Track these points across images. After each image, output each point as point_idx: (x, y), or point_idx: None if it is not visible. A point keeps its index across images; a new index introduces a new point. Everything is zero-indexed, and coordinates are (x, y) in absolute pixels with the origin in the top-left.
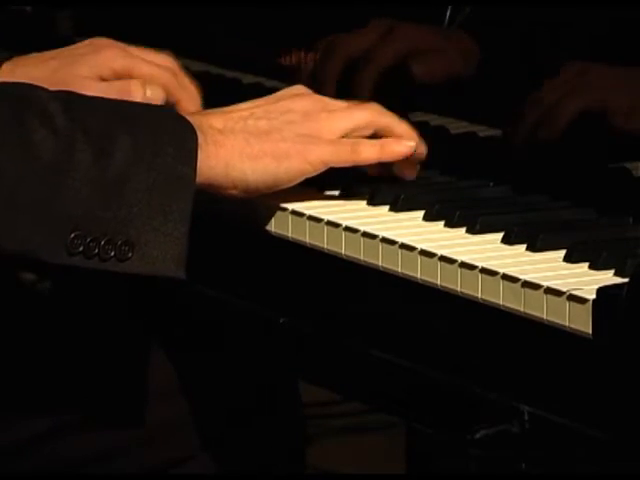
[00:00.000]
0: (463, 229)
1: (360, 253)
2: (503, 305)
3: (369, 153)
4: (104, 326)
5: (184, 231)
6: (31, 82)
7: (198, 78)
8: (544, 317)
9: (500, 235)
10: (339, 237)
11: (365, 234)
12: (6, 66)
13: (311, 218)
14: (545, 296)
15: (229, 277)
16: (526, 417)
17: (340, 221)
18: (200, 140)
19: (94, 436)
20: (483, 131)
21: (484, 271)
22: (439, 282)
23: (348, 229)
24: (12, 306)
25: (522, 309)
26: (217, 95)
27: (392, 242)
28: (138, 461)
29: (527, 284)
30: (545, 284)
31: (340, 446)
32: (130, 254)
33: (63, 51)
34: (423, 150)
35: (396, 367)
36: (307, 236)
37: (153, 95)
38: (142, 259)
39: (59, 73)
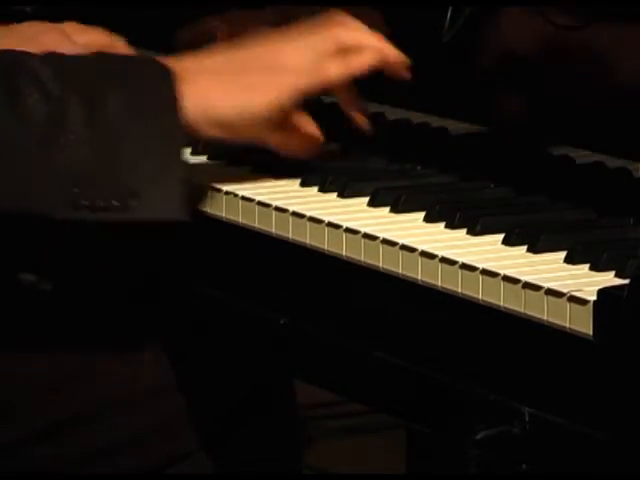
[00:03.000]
0: (464, 230)
1: (361, 254)
2: (504, 306)
3: (336, 69)
4: (101, 323)
5: (182, 174)
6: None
7: None
8: (545, 318)
9: (501, 236)
10: (340, 238)
11: (366, 235)
12: None
13: (312, 219)
14: (546, 297)
15: (230, 278)
16: (527, 418)
17: (341, 222)
18: (178, 84)
19: (91, 434)
20: (484, 132)
21: (485, 272)
22: (440, 283)
23: (349, 230)
24: (11, 305)
25: (523, 310)
26: None
27: (393, 243)
28: (135, 459)
29: (528, 285)
30: (546, 285)
31: (340, 447)
32: (133, 202)
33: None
34: (392, 55)
35: (396, 368)
36: (308, 237)
37: None
38: (145, 206)
39: None
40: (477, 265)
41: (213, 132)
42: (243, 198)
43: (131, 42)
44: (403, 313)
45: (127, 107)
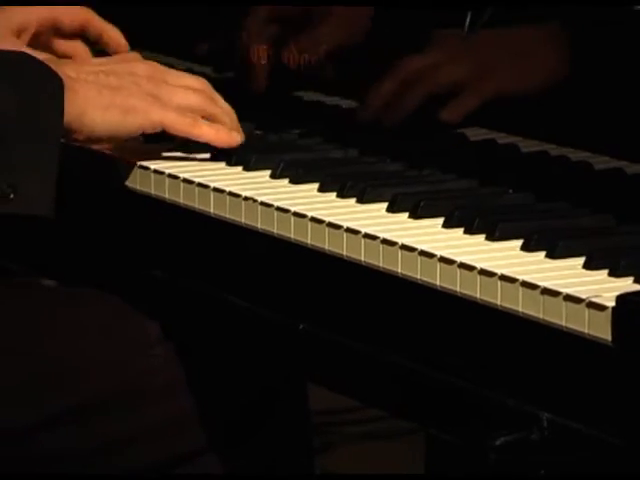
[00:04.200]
0: (483, 236)
1: (379, 260)
2: (522, 312)
3: (206, 132)
4: (116, 312)
5: (54, 172)
6: None
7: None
8: (563, 324)
9: (520, 242)
10: (358, 244)
11: (385, 241)
12: None
13: (330, 225)
14: (564, 303)
15: (249, 283)
16: (545, 424)
17: (360, 228)
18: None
19: (104, 425)
20: (502, 138)
21: (503, 278)
22: (458, 289)
23: (368, 236)
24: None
25: (541, 316)
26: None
27: (412, 249)
28: (146, 454)
29: (546, 291)
30: (564, 291)
31: (360, 453)
32: (11, 195)
33: None
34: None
35: (415, 374)
36: (326, 243)
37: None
38: (21, 200)
39: None
40: (496, 271)
41: (77, 137)
42: (262, 204)
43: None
44: (421, 318)
45: (17, 107)
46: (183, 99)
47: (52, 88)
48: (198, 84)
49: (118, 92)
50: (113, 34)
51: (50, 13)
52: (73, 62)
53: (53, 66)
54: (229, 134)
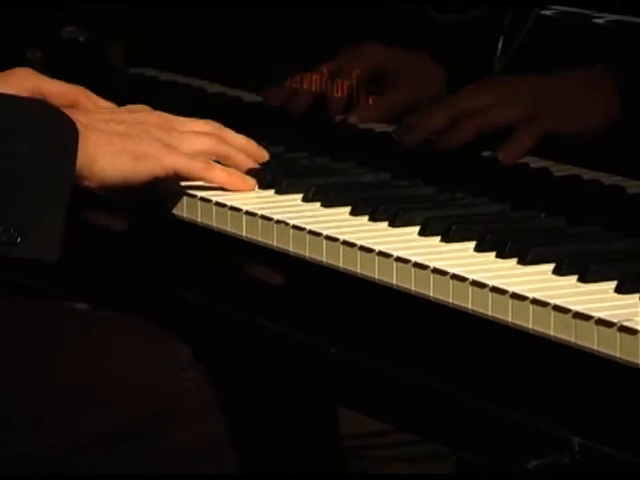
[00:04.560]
0: (514, 260)
1: (411, 284)
2: (554, 336)
3: (218, 176)
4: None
5: (62, 219)
6: None
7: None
8: (595, 348)
9: (551, 266)
10: (390, 267)
11: (416, 264)
12: None
13: (362, 248)
14: (596, 327)
15: (281, 306)
16: (577, 448)
17: (391, 251)
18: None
19: (134, 449)
20: (535, 162)
21: (535, 302)
22: (490, 313)
23: (399, 259)
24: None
25: (573, 340)
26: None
27: (443, 273)
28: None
29: (578, 315)
30: (596, 315)
31: (391, 477)
32: (18, 239)
33: None
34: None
35: (447, 397)
36: (358, 266)
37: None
38: (28, 245)
39: None
40: (527, 295)
41: (88, 184)
42: (294, 227)
43: (182, 72)
44: (453, 342)
45: (30, 151)
46: (194, 144)
47: (66, 134)
48: (207, 127)
49: (128, 139)
50: None
51: (37, 88)
52: (84, 110)
53: (67, 113)
54: (242, 179)
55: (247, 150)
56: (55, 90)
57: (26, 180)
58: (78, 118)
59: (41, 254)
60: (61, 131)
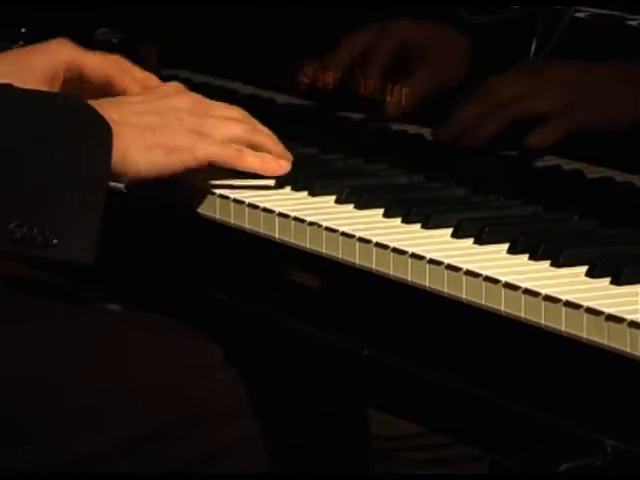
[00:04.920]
0: (547, 262)
1: (444, 286)
2: (587, 338)
3: (252, 162)
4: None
5: (99, 219)
6: None
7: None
8: (628, 350)
9: (584, 268)
10: (423, 269)
11: (449, 267)
12: None
13: (395, 250)
14: (629, 329)
15: (313, 309)
16: (609, 450)
17: (425, 253)
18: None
19: (165, 451)
20: (567, 164)
21: (568, 304)
22: (523, 315)
23: (432, 262)
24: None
25: (606, 342)
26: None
27: (476, 275)
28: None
29: (611, 317)
30: (629, 317)
31: (423, 478)
32: (55, 241)
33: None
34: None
35: (480, 400)
36: (391, 268)
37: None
38: (63, 246)
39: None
40: (560, 297)
41: (122, 179)
42: (327, 229)
43: (214, 74)
44: (485, 344)
45: (64, 152)
46: (227, 131)
47: (99, 134)
48: (240, 115)
49: (161, 132)
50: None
51: (74, 60)
52: (116, 102)
53: (99, 109)
54: (276, 162)
55: (275, 143)
56: (91, 62)
57: (61, 182)
58: (110, 115)
59: (77, 255)
60: (94, 131)
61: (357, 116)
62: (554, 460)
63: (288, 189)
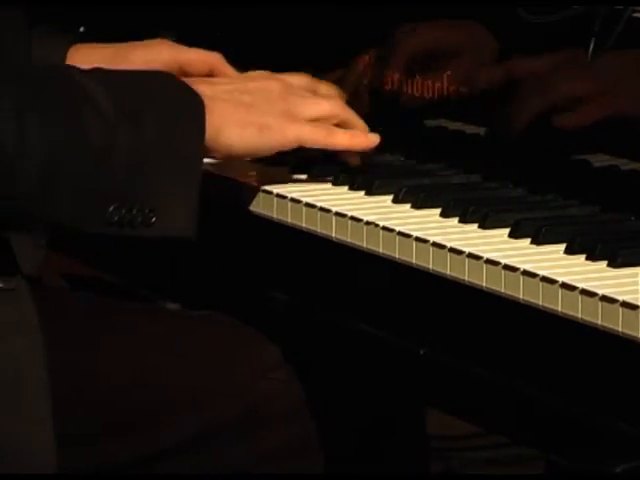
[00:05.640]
0: (604, 262)
1: (501, 286)
2: None
3: (341, 139)
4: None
5: (196, 195)
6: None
7: None
8: None
9: None
10: (480, 269)
11: (506, 267)
12: (70, 51)
13: (452, 250)
14: None
15: (372, 308)
16: None
17: (482, 253)
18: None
19: (222, 451)
20: (625, 164)
21: (625, 305)
22: (580, 315)
23: (489, 262)
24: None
25: None
26: None
27: (533, 275)
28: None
29: None
30: None
31: (480, 478)
32: (154, 219)
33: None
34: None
35: (537, 400)
36: (448, 268)
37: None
38: (164, 223)
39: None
40: (617, 297)
41: (215, 155)
42: (384, 228)
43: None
44: (542, 345)
45: (162, 135)
46: (316, 110)
47: (192, 108)
48: (330, 91)
49: (253, 110)
50: None
51: (175, 58)
52: (208, 80)
53: (191, 85)
54: (366, 137)
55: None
56: (192, 58)
57: (157, 159)
58: (203, 90)
59: (177, 231)
60: (188, 106)
61: (414, 116)
62: (610, 461)
63: (345, 189)
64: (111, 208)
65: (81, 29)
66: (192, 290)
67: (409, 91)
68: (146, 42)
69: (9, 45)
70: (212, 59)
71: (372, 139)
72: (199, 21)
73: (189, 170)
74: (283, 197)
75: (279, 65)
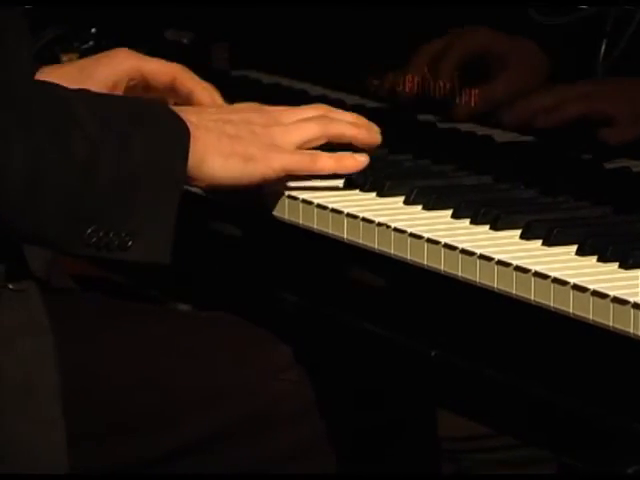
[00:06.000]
0: (616, 264)
1: (512, 287)
2: None
3: (327, 164)
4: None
5: (173, 220)
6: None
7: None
8: None
9: None
10: (491, 271)
11: (517, 268)
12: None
13: (463, 252)
14: None
15: (380, 309)
16: None
17: (493, 255)
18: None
19: (234, 452)
20: (637, 166)
21: (637, 306)
22: (591, 317)
23: (500, 263)
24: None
25: None
26: None
27: (545, 276)
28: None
29: None
30: None
31: (492, 478)
32: (130, 243)
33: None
34: (377, 141)
35: (548, 401)
36: (459, 270)
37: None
38: (140, 247)
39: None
40: (629, 299)
41: (198, 184)
42: (395, 230)
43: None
44: (553, 346)
45: (147, 157)
46: (299, 136)
47: (178, 134)
48: (314, 112)
49: (237, 141)
50: (204, 95)
51: (138, 68)
52: (194, 109)
53: (179, 113)
54: (353, 158)
55: (360, 123)
56: (154, 68)
57: (138, 184)
58: (189, 118)
59: (153, 257)
60: (174, 131)
61: (426, 117)
62: (622, 462)
63: (357, 190)
64: (89, 230)
65: (93, 30)
66: (203, 291)
67: (422, 93)
68: (107, 54)
69: (12, 48)
70: (174, 69)
71: (360, 160)
72: (214, 21)
73: (170, 195)
74: (295, 199)
75: (294, 63)
